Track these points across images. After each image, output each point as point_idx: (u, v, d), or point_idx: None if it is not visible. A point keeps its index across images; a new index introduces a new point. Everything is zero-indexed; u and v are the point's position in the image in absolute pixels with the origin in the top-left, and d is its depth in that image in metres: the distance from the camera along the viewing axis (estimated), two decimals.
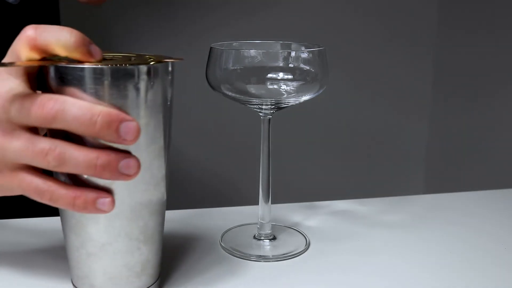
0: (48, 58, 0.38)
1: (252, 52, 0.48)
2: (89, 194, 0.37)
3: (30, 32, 0.36)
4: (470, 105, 1.49)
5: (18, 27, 0.39)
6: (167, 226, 0.58)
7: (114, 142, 0.36)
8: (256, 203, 0.55)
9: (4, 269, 0.48)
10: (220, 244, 0.54)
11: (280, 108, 0.51)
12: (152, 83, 0.38)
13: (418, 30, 1.58)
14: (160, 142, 0.40)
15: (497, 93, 1.40)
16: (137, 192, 0.40)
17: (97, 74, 0.36)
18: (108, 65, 0.36)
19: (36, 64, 0.37)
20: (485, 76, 1.44)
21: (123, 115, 0.36)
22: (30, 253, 0.51)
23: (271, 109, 0.51)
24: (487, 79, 1.43)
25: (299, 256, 0.52)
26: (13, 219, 0.57)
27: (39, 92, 0.38)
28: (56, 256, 0.50)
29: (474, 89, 1.48)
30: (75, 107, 0.35)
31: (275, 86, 0.49)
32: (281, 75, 0.48)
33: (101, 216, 0.39)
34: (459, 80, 1.52)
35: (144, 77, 0.38)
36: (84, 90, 0.36)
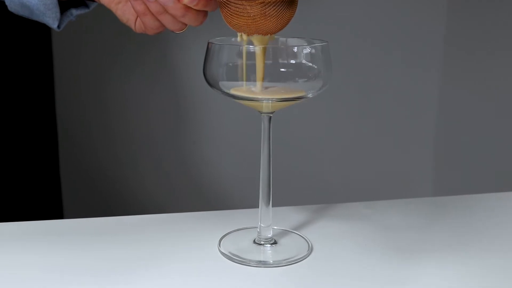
0: None
1: (252, 47, 0.47)
2: None
3: None
4: (479, 107, 1.49)
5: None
6: (164, 229, 0.56)
7: None
8: (256, 205, 0.55)
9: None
10: (219, 249, 0.53)
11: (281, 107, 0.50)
12: None
13: (426, 28, 1.56)
14: None
15: (506, 94, 1.40)
16: None
17: None
18: None
19: None
20: (494, 75, 1.43)
21: None
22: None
23: (272, 107, 0.49)
24: (495, 79, 1.43)
25: (301, 262, 0.51)
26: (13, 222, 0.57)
27: None
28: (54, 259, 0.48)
29: (482, 90, 1.47)
30: None
31: (276, 84, 0.47)
32: (282, 71, 0.47)
33: None
34: (468, 78, 1.52)
35: None
36: None
